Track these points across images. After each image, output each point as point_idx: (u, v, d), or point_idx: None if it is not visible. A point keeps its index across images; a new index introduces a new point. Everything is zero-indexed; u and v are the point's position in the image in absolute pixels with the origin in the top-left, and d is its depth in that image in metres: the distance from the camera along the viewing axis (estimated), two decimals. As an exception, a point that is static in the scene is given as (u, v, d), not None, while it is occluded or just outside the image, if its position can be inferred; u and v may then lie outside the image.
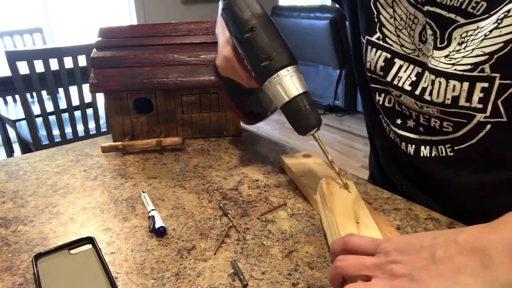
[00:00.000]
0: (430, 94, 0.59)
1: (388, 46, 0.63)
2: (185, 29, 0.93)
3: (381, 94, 0.69)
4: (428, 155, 0.65)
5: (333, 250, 0.44)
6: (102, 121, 2.25)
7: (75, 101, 2.01)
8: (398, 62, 0.63)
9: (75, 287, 0.47)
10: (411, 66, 0.61)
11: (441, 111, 0.59)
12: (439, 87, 0.57)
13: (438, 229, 0.57)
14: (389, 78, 0.64)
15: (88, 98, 2.04)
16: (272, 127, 3.67)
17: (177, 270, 0.50)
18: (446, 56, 0.56)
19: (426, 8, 0.57)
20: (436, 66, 0.57)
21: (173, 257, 0.53)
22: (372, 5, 0.64)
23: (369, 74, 0.68)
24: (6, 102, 2.63)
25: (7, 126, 2.54)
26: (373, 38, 0.65)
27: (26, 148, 2.30)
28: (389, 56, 0.63)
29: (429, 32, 0.57)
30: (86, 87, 1.93)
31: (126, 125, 0.90)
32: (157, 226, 0.57)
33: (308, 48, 3.66)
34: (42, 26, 3.06)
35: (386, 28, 0.63)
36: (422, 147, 0.65)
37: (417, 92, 0.60)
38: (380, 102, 0.69)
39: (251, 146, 0.88)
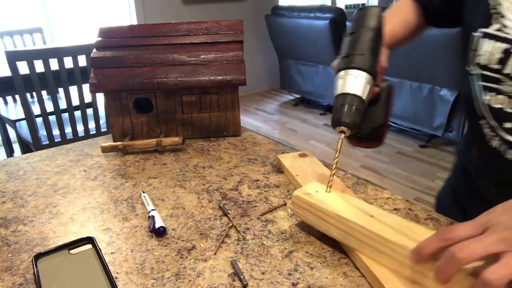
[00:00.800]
0: None
1: (506, 35, 0.59)
2: (185, 29, 0.93)
3: (491, 93, 0.63)
4: None
5: (427, 252, 0.42)
6: (102, 121, 2.24)
7: (75, 101, 2.01)
8: None
9: (75, 287, 0.47)
10: None
11: None
12: None
13: (438, 229, 0.56)
14: (508, 71, 0.59)
15: (88, 98, 2.04)
16: (272, 127, 3.67)
17: (177, 270, 0.50)
18: None
19: None
20: None
21: (173, 257, 0.53)
22: None
23: (480, 71, 0.63)
24: (6, 102, 2.63)
25: (7, 126, 2.54)
26: (490, 30, 0.61)
27: (26, 148, 2.29)
28: (508, 46, 0.59)
29: None
30: (86, 87, 1.93)
31: (126, 125, 0.90)
32: (157, 226, 0.57)
33: (308, 48, 3.66)
34: (42, 26, 3.06)
35: (506, 18, 0.59)
36: None
37: None
38: (487, 102, 0.64)
39: (251, 146, 0.88)
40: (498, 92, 0.62)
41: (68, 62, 1.90)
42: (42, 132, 2.04)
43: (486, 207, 0.49)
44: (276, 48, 4.13)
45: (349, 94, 0.56)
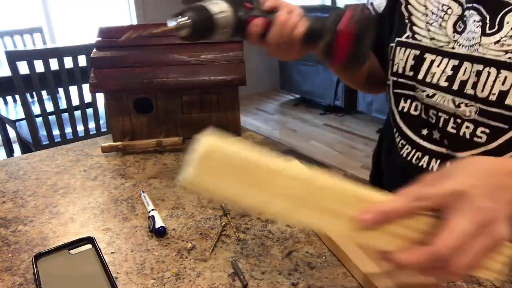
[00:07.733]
0: (474, 87, 0.54)
1: (417, 42, 0.62)
2: (185, 29, 0.93)
3: (407, 100, 0.65)
4: None
5: (396, 213, 0.35)
6: (102, 121, 2.24)
7: (75, 101, 2.01)
8: (429, 57, 0.60)
9: (75, 287, 0.47)
10: (445, 60, 0.58)
11: (480, 111, 0.54)
12: (487, 78, 0.53)
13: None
14: (420, 76, 0.61)
15: (88, 98, 2.04)
16: (272, 127, 3.67)
17: (177, 270, 0.50)
18: (497, 42, 0.52)
19: None
20: (485, 54, 0.53)
21: (173, 257, 0.53)
22: (404, 9, 0.65)
23: (394, 79, 0.66)
24: (6, 102, 2.63)
25: (7, 126, 2.54)
26: (402, 38, 0.64)
27: (26, 148, 2.29)
28: (418, 52, 0.61)
29: (475, 18, 0.55)
30: (86, 87, 1.93)
31: (126, 125, 0.90)
32: (157, 226, 0.57)
33: (308, 48, 3.66)
34: (42, 26, 3.06)
35: (417, 26, 0.63)
36: (449, 164, 0.59)
37: (455, 87, 0.57)
38: (405, 110, 0.66)
39: (251, 146, 0.87)
40: (413, 99, 0.65)
41: (68, 62, 1.90)
42: (42, 132, 2.04)
43: None
44: (276, 48, 4.12)
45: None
